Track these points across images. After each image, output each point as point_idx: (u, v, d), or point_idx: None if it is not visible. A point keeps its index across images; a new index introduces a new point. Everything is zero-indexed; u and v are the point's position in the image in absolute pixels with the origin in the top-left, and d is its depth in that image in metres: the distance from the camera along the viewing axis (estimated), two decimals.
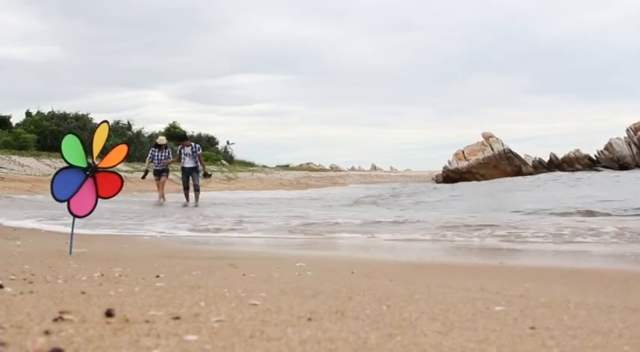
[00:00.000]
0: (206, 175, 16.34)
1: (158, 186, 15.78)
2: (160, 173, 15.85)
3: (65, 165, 3.68)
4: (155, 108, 79.09)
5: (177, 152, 16.04)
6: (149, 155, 16.27)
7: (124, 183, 4.00)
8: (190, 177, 15.52)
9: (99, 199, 3.74)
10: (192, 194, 15.40)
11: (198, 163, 15.73)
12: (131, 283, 2.25)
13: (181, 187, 16.13)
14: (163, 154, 15.93)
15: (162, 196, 15.57)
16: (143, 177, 16.57)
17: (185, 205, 14.37)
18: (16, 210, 10.13)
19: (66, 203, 3.65)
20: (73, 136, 3.70)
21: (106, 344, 1.27)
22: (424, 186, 32.88)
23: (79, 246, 4.11)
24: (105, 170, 3.73)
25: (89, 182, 3.67)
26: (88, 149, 3.69)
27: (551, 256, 4.49)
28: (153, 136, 38.41)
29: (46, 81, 75.29)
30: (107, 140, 3.74)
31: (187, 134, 27.09)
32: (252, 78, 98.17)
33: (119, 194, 3.83)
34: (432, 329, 1.51)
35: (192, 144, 15.96)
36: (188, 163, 15.59)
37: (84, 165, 3.67)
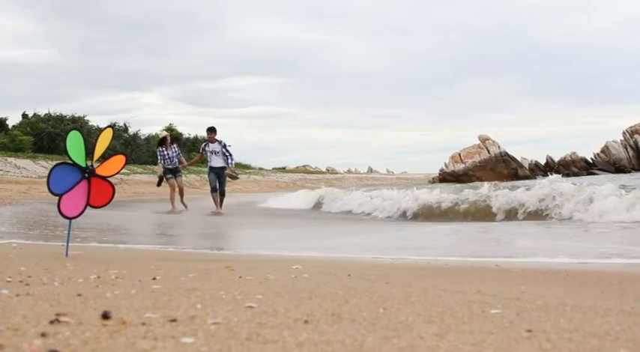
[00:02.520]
0: (233, 177, 13.96)
1: (171, 188, 13.58)
2: (174, 173, 13.64)
3: (63, 160, 3.67)
4: (151, 110, 79.21)
5: (201, 150, 13.65)
6: (158, 157, 13.95)
7: (121, 185, 3.99)
8: (218, 179, 13.19)
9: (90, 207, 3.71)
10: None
11: (230, 163, 13.28)
12: (127, 285, 2.25)
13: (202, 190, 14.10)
14: (173, 151, 13.71)
15: (180, 202, 13.48)
16: (158, 184, 14.13)
17: (214, 214, 12.39)
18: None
19: (57, 203, 3.62)
20: (78, 133, 3.68)
21: (102, 346, 1.27)
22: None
23: (74, 248, 4.10)
24: (102, 177, 3.70)
25: (83, 184, 3.65)
26: (89, 151, 3.68)
27: (547, 259, 4.50)
28: (149, 138, 38.36)
29: (43, 83, 75.33)
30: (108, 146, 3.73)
31: (177, 135, 20.54)
32: (248, 80, 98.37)
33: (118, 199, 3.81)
34: (428, 332, 1.51)
35: (219, 139, 13.35)
36: (217, 162, 13.13)
37: (83, 164, 3.65)
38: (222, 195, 13.23)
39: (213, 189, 13.23)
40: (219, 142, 13.29)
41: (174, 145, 13.94)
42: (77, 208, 3.66)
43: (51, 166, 3.69)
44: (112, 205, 3.90)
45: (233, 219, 11.10)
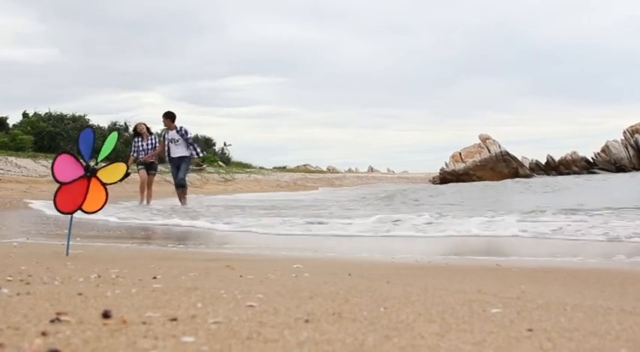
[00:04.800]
0: (198, 164, 12.53)
1: (141, 179, 12.21)
2: (147, 167, 12.21)
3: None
4: (152, 109, 79.53)
5: (162, 138, 12.13)
6: (133, 148, 12.34)
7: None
8: (177, 170, 11.73)
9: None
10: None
11: (192, 151, 11.77)
12: (128, 284, 2.25)
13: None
14: (149, 143, 12.20)
15: (146, 198, 12.16)
16: (122, 180, 13.01)
17: (176, 206, 11.39)
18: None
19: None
20: (116, 135, 3.77)
21: (103, 345, 1.27)
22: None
23: (75, 247, 4.10)
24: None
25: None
26: (95, 151, 3.69)
27: (547, 258, 4.50)
28: None
29: (43, 82, 75.45)
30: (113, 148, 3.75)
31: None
32: (248, 80, 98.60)
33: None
34: (429, 331, 1.51)
35: (178, 126, 11.84)
36: (175, 152, 11.70)
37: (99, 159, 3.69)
38: (182, 186, 11.73)
39: (177, 185, 11.81)
40: (178, 130, 11.73)
41: (152, 136, 12.36)
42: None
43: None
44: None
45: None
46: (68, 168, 3.60)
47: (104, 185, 3.71)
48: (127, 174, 13.25)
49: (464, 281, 2.68)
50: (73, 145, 24.40)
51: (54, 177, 3.58)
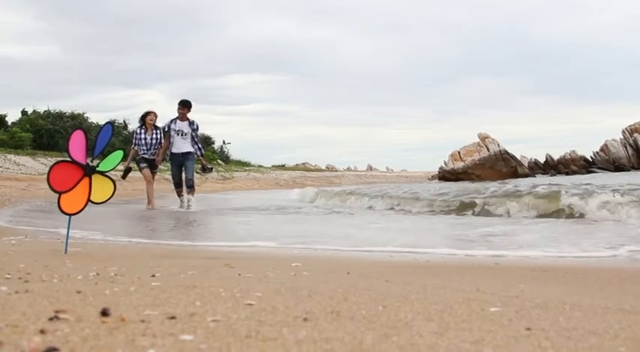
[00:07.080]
0: (205, 169, 10.98)
1: (146, 180, 10.61)
2: (150, 163, 10.69)
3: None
4: (151, 107, 79.54)
5: (166, 129, 10.49)
6: (134, 140, 10.77)
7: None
8: (183, 168, 10.33)
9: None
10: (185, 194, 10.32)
11: (198, 150, 10.43)
12: (127, 282, 2.25)
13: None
14: (153, 137, 10.65)
15: (151, 200, 10.60)
16: (124, 176, 10.70)
17: (180, 209, 10.16)
18: None
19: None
20: (122, 153, 3.83)
21: (101, 343, 1.27)
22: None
23: (74, 245, 4.10)
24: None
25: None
26: (89, 148, 3.69)
27: (547, 256, 4.50)
28: None
29: (43, 80, 75.61)
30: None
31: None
32: (248, 78, 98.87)
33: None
34: (427, 330, 1.51)
35: (191, 119, 10.42)
36: (180, 146, 10.28)
37: (107, 168, 3.71)
38: (190, 187, 10.32)
39: (177, 185, 10.41)
40: (191, 122, 10.35)
41: (157, 131, 10.77)
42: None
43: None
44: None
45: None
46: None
47: (108, 176, 3.71)
48: (127, 171, 11.99)
49: (463, 280, 2.68)
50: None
51: (52, 188, 3.57)
